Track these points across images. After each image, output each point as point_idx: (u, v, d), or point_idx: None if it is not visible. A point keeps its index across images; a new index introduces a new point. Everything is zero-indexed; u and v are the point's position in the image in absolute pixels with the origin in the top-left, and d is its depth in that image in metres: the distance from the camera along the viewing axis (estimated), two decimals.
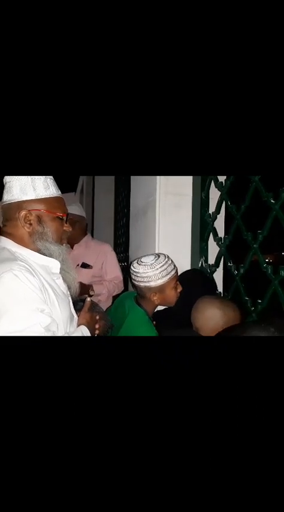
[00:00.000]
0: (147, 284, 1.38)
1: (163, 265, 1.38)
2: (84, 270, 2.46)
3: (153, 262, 1.39)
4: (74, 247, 2.50)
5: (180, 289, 1.45)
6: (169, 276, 1.39)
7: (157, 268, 1.37)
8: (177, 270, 1.44)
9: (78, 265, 2.43)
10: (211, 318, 1.29)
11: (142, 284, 1.40)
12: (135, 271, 1.42)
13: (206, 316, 1.31)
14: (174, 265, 1.43)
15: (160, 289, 1.39)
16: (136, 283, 1.43)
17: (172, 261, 1.44)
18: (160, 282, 1.38)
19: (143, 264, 1.40)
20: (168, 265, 1.40)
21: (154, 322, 1.60)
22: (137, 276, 1.40)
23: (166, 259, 1.42)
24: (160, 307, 1.90)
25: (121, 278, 2.58)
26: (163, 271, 1.37)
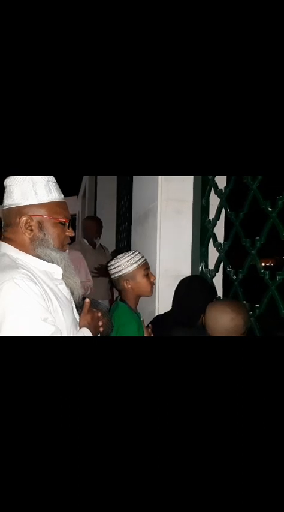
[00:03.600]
0: (120, 273, 1.61)
1: (130, 255, 1.62)
2: None
3: (122, 255, 1.64)
4: None
5: (152, 278, 1.64)
6: (137, 264, 1.60)
7: (125, 258, 1.61)
8: (145, 260, 1.65)
9: None
10: (234, 329, 1.28)
11: (116, 275, 1.62)
12: (109, 265, 1.66)
13: (226, 328, 1.28)
14: (142, 256, 1.65)
15: (132, 276, 1.60)
16: (112, 277, 1.65)
17: (140, 253, 1.66)
18: (130, 269, 1.59)
19: (115, 258, 1.66)
20: (136, 255, 1.63)
21: (150, 325, 1.65)
22: (111, 269, 1.64)
23: (135, 251, 1.67)
24: (158, 309, 1.94)
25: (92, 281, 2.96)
26: (131, 259, 1.61)
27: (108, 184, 4.92)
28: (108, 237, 4.56)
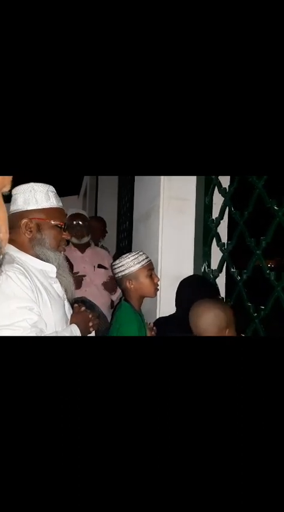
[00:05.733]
0: (123, 272, 1.59)
1: (134, 255, 1.61)
2: (102, 270, 2.57)
3: (126, 254, 1.64)
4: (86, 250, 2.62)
5: (156, 279, 1.62)
6: (141, 264, 1.59)
7: (129, 257, 1.60)
8: (150, 261, 1.64)
9: (94, 266, 2.57)
10: (213, 322, 1.28)
11: (120, 274, 1.60)
12: (113, 264, 1.67)
13: (208, 321, 1.29)
14: (147, 257, 1.64)
15: (135, 276, 1.58)
16: (116, 276, 1.65)
17: (145, 254, 1.65)
18: (133, 269, 1.58)
19: (119, 257, 1.65)
20: (140, 256, 1.61)
21: (154, 327, 1.62)
22: (115, 268, 1.63)
23: (139, 251, 1.66)
24: (159, 309, 1.91)
25: None
26: (134, 259, 1.59)
27: (109, 184, 4.90)
28: (109, 237, 4.53)
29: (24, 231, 1.22)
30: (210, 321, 1.28)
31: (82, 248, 2.60)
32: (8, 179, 0.46)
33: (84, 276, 2.44)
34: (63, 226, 1.28)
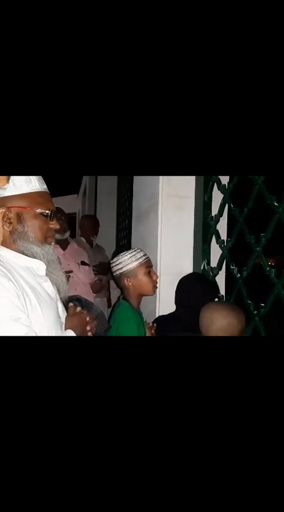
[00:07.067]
0: (121, 270, 1.58)
1: (132, 253, 1.59)
2: (87, 267, 2.52)
3: (124, 252, 1.62)
4: (68, 246, 2.57)
5: (155, 277, 1.60)
6: (139, 261, 1.57)
7: (127, 255, 1.59)
8: (148, 258, 1.63)
9: (78, 264, 2.52)
10: (226, 331, 1.25)
11: (118, 272, 1.59)
12: (111, 262, 1.65)
13: (222, 328, 1.25)
14: (145, 254, 1.62)
15: (133, 274, 1.57)
16: (114, 274, 1.62)
17: (143, 251, 1.64)
18: (130, 266, 1.56)
19: (117, 255, 1.64)
20: (137, 253, 1.60)
21: (154, 325, 1.61)
22: (113, 266, 1.61)
23: (137, 249, 1.64)
24: (158, 308, 1.90)
25: None
26: (132, 256, 1.58)
27: (108, 182, 4.89)
28: (109, 235, 4.53)
29: (2, 223, 1.03)
30: (224, 328, 1.25)
31: (63, 245, 2.52)
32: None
33: (71, 271, 2.38)
34: (49, 214, 1.08)
